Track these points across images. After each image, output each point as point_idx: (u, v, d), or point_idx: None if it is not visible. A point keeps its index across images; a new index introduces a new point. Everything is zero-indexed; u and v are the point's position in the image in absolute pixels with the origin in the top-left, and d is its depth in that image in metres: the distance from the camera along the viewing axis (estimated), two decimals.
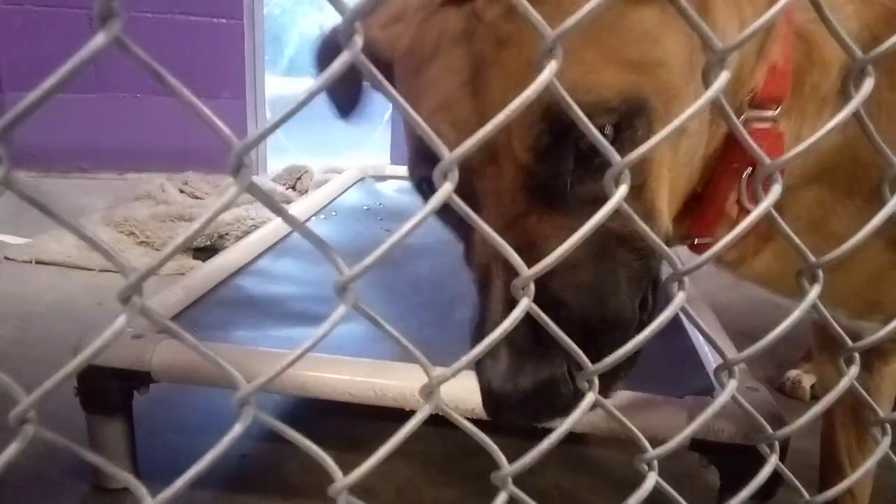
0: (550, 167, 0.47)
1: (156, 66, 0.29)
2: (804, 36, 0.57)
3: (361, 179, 2.42)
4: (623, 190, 0.37)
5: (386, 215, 2.06)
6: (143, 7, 2.94)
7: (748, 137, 0.40)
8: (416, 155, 0.54)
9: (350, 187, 2.31)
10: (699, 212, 0.60)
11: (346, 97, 0.70)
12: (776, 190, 0.40)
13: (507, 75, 0.47)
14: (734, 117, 0.38)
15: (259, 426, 0.36)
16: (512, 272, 0.45)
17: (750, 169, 0.56)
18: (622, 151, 0.45)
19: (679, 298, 0.40)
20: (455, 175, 0.33)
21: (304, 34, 4.48)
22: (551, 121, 0.46)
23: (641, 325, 0.49)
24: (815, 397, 1.53)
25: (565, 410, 0.48)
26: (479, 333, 0.50)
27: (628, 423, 0.43)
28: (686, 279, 0.40)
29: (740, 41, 0.35)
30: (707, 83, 0.36)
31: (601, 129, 0.46)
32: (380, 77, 0.31)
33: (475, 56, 0.48)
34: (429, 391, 0.38)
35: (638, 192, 0.49)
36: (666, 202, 0.53)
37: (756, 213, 0.40)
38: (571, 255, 0.39)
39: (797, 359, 1.60)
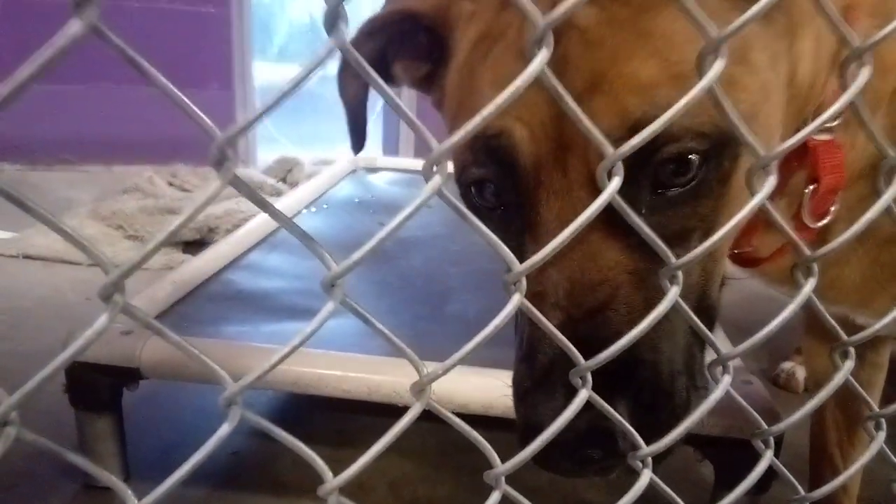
0: (627, 190, 0.43)
1: (132, 55, 0.28)
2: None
3: (353, 171, 2.40)
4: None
5: (378, 207, 2.05)
6: None
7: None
8: (472, 154, 0.50)
9: (342, 179, 2.29)
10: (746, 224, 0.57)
11: (363, 129, 0.70)
12: (770, 182, 0.39)
13: (592, 80, 0.44)
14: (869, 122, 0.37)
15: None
16: (572, 303, 0.44)
17: (813, 186, 0.55)
18: (706, 183, 0.45)
19: (672, 293, 0.39)
20: (445, 169, 0.32)
21: (294, 21, 4.44)
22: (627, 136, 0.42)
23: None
24: (809, 389, 1.54)
25: (614, 466, 0.45)
26: (527, 364, 0.47)
27: (623, 421, 0.42)
28: (679, 274, 0.39)
29: (880, 38, 0.35)
30: (845, 85, 0.36)
31: (687, 156, 0.45)
32: (370, 70, 0.30)
33: (558, 59, 0.43)
34: (419, 389, 0.37)
35: (706, 234, 0.47)
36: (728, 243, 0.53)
37: (750, 205, 0.39)
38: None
39: (791, 351, 1.60)
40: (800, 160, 0.56)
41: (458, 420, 0.40)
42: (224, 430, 0.32)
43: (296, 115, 3.75)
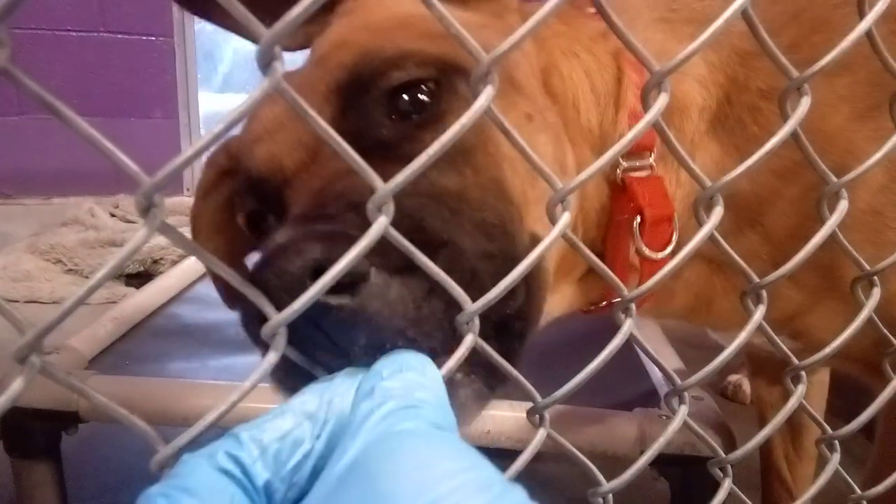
0: (358, 115, 0.45)
1: (50, 99, 0.26)
2: None
3: None
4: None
5: None
6: (67, 25, 2.82)
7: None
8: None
9: None
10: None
11: None
12: (718, 212, 0.39)
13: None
14: (674, 140, 0.37)
15: None
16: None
17: (639, 218, 0.54)
18: (446, 115, 0.44)
19: (627, 326, 0.39)
20: (390, 209, 0.30)
21: (239, 50, 4.39)
22: (352, 73, 0.45)
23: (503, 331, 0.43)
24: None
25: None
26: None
27: (582, 458, 0.41)
28: (632, 305, 0.39)
29: (679, 62, 0.34)
30: (647, 107, 0.35)
31: (416, 87, 0.44)
32: (306, 107, 0.28)
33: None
34: None
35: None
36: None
37: (700, 235, 0.39)
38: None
39: (738, 363, 1.64)
40: (627, 200, 0.55)
41: None
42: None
43: None
